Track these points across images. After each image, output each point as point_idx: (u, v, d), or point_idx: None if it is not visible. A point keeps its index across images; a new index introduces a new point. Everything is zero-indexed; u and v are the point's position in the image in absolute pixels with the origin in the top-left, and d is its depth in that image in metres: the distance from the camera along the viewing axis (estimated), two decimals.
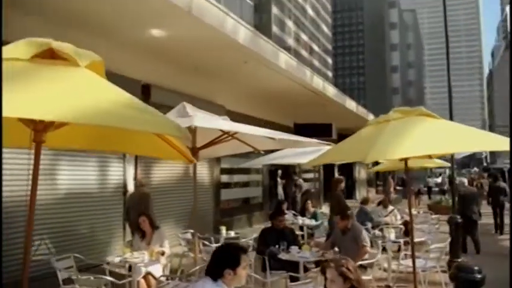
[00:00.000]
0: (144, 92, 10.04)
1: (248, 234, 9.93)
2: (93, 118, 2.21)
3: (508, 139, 4.74)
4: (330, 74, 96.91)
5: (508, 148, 4.50)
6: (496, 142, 4.60)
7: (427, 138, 4.53)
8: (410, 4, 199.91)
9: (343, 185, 10.78)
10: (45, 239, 7.75)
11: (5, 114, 2.17)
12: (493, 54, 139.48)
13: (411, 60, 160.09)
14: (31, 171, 2.92)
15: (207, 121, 5.49)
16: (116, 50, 8.96)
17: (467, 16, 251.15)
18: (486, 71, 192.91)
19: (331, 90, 16.97)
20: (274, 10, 66.50)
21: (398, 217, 11.29)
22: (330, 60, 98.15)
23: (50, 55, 2.78)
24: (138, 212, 6.93)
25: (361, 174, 33.26)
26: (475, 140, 4.70)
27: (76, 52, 2.71)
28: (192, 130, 5.51)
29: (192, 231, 8.97)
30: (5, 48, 2.70)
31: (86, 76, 2.57)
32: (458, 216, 9.32)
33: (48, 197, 8.03)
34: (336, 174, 28.56)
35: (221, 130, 6.04)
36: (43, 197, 7.69)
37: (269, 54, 11.19)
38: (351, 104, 20.50)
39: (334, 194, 12.02)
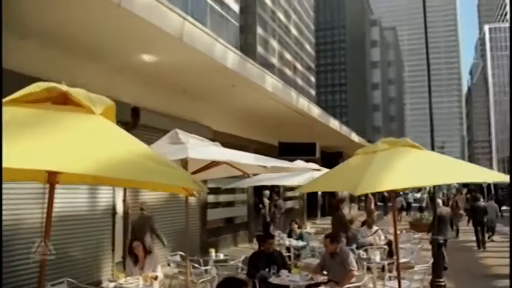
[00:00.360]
0: (134, 114, 10.16)
1: (236, 255, 10.08)
2: (114, 171, 2.35)
3: (487, 170, 5.05)
4: (313, 92, 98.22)
5: (488, 180, 4.80)
6: (480, 174, 4.87)
7: (414, 170, 4.76)
8: (391, 22, 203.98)
9: (344, 204, 11.02)
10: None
11: (25, 166, 2.29)
12: (471, 72, 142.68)
13: (392, 77, 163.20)
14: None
15: (200, 152, 5.66)
16: (106, 74, 9.14)
17: (446, 33, 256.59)
18: (464, 88, 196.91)
19: (315, 111, 17.31)
20: (259, 30, 67.76)
21: (382, 237, 11.52)
22: (313, 79, 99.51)
23: (63, 100, 2.89)
24: (138, 237, 7.07)
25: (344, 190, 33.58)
26: (460, 171, 4.95)
27: (89, 98, 2.83)
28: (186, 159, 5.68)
29: (181, 253, 9.11)
30: (18, 93, 2.80)
31: (102, 125, 2.68)
32: (441, 237, 9.62)
33: (40, 220, 8.06)
34: (319, 192, 28.86)
35: None
36: (36, 220, 7.73)
37: (256, 78, 11.45)
38: (335, 124, 20.87)
39: (336, 214, 12.26)
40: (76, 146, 2.42)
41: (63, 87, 2.88)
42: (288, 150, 19.13)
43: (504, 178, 5.04)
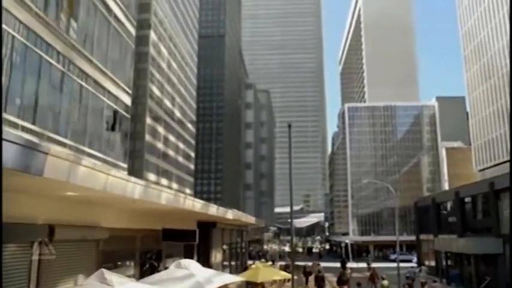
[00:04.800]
0: (50, 232, 11.92)
1: None
2: None
3: None
4: (192, 166, 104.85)
5: None
6: None
7: None
8: (264, 81, 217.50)
9: None
10: None
11: None
12: (333, 138, 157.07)
13: (264, 136, 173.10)
14: None
15: None
16: (30, 201, 10.90)
17: (314, 98, 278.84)
18: (329, 148, 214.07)
19: (198, 205, 20.03)
20: (148, 120, 72.21)
21: None
22: (192, 154, 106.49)
23: None
24: None
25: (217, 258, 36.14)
26: None
27: None
28: None
29: None
30: None
31: None
32: None
33: None
34: None
35: None
36: None
37: (154, 196, 13.90)
38: (213, 210, 23.76)
39: None
40: None
41: None
42: (171, 236, 21.48)
43: None
